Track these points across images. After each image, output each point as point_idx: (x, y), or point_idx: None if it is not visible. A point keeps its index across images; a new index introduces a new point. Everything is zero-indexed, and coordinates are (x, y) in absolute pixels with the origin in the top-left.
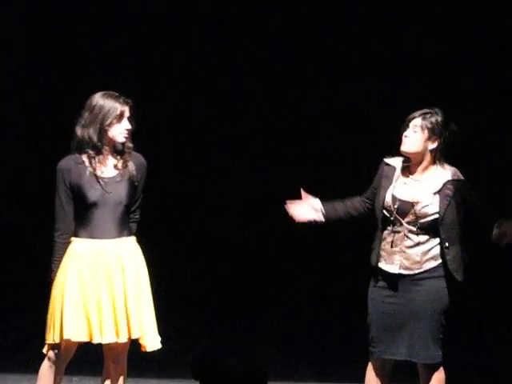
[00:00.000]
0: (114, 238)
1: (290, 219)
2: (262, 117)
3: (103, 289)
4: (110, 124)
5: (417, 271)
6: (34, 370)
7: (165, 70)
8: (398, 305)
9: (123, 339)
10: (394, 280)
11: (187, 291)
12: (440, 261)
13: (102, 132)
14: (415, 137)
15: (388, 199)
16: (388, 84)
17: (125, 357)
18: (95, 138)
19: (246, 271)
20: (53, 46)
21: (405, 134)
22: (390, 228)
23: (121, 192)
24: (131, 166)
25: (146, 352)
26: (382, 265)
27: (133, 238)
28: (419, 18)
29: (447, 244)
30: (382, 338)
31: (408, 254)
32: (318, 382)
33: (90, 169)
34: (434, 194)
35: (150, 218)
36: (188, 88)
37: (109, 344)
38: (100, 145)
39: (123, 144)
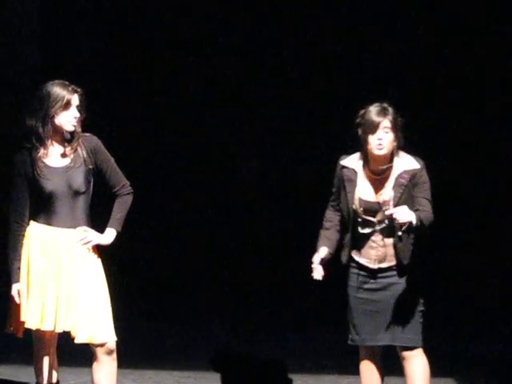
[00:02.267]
0: (70, 227)
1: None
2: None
3: (50, 277)
4: (56, 112)
5: (394, 263)
6: None
7: (173, 67)
8: (377, 290)
9: (59, 329)
10: (371, 272)
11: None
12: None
13: (47, 120)
14: (388, 138)
15: (356, 202)
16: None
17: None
18: (40, 127)
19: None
20: (70, 47)
21: (378, 137)
22: (361, 229)
23: (76, 180)
24: (82, 151)
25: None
26: (359, 259)
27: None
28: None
29: (399, 233)
30: (363, 325)
31: (384, 250)
32: (339, 374)
33: (41, 159)
34: (392, 188)
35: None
36: (194, 84)
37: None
38: (46, 133)
39: (72, 132)
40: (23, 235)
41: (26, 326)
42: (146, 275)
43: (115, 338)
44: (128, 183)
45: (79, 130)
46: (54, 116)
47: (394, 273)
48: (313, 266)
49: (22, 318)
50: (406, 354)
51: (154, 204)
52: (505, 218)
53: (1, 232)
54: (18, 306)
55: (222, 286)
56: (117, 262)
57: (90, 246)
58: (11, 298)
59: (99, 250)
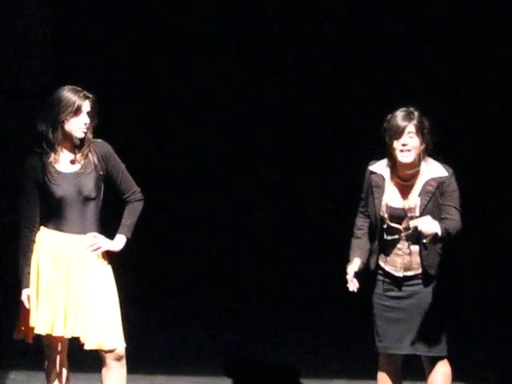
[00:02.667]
0: (79, 233)
1: None
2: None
3: (60, 282)
4: (67, 118)
5: (420, 271)
6: None
7: (176, 69)
8: (402, 298)
9: (68, 335)
10: (397, 280)
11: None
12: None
13: (57, 126)
14: (413, 144)
15: (383, 209)
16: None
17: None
18: (50, 132)
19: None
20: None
21: (402, 142)
22: (387, 235)
23: (87, 186)
24: (93, 157)
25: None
26: (385, 266)
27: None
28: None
29: (424, 240)
30: (387, 333)
31: (410, 258)
32: (350, 379)
33: (51, 164)
34: (419, 195)
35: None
36: (204, 91)
37: (58, 337)
38: (56, 139)
39: (83, 139)
40: (33, 240)
41: (36, 331)
42: (157, 281)
43: (124, 345)
44: (139, 190)
45: (90, 136)
46: (64, 122)
47: (420, 281)
48: (347, 277)
49: (32, 324)
50: (429, 362)
51: (164, 211)
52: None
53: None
54: (27, 312)
55: (234, 293)
56: (127, 268)
57: (99, 252)
58: (20, 304)
59: (109, 256)
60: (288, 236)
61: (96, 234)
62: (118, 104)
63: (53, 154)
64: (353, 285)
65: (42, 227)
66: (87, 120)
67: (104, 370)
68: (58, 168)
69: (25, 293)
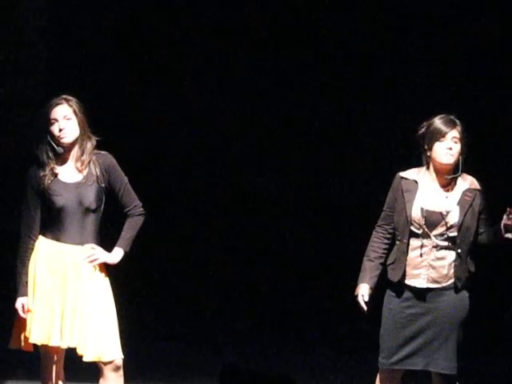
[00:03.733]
0: (78, 244)
1: None
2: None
3: (57, 292)
4: (48, 129)
5: (444, 284)
6: None
7: (174, 69)
8: (418, 314)
9: (65, 345)
10: (419, 293)
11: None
12: (473, 269)
13: (42, 136)
14: (457, 148)
15: (416, 212)
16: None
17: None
18: (43, 146)
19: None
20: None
21: (447, 146)
22: (415, 242)
23: (88, 197)
24: (95, 168)
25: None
26: (407, 281)
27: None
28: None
29: (459, 250)
30: (397, 349)
31: (436, 268)
32: None
33: (54, 176)
34: (457, 203)
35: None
36: (195, 87)
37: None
38: (44, 150)
39: (72, 145)
40: (32, 249)
41: (31, 341)
42: (153, 292)
43: (122, 355)
44: (140, 204)
45: (88, 142)
46: (47, 133)
47: (444, 294)
48: (358, 300)
49: (27, 333)
50: (438, 379)
51: (164, 221)
52: None
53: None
54: (23, 321)
55: (228, 304)
56: (124, 280)
57: (96, 263)
58: (16, 312)
59: (107, 268)
60: (281, 248)
61: (94, 245)
62: (115, 113)
63: (47, 167)
64: (361, 307)
65: (40, 236)
66: (63, 125)
67: (101, 381)
68: (60, 178)
69: (19, 301)
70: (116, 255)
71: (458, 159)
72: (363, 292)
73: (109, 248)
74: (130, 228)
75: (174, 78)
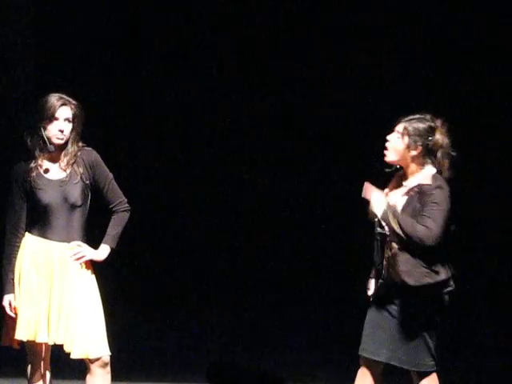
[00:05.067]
0: (64, 241)
1: None
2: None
3: (43, 289)
4: (44, 124)
5: (398, 280)
6: None
7: (171, 72)
8: (383, 304)
9: (51, 342)
10: (390, 288)
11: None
12: (438, 268)
13: (37, 133)
14: (397, 142)
15: None
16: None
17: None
18: (29, 139)
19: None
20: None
21: (388, 137)
22: (381, 242)
23: (73, 194)
24: (80, 165)
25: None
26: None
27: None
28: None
29: (398, 247)
30: (369, 337)
31: (391, 264)
32: None
33: (38, 171)
34: (402, 195)
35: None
36: (190, 90)
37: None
38: (36, 146)
39: (63, 146)
40: (18, 246)
41: (17, 337)
42: (144, 286)
43: (109, 352)
44: (125, 200)
45: (77, 143)
46: (41, 128)
47: (401, 291)
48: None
49: (14, 330)
50: (414, 375)
51: (160, 218)
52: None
53: None
54: (12, 318)
55: (220, 300)
56: (115, 274)
57: (82, 261)
58: (3, 310)
59: (93, 265)
60: (278, 244)
61: (80, 242)
62: (105, 111)
63: (39, 161)
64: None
65: (26, 233)
66: (63, 127)
67: (88, 377)
68: (45, 175)
69: (6, 298)
70: (102, 252)
71: (403, 155)
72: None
73: (94, 245)
74: (116, 224)
75: (172, 75)
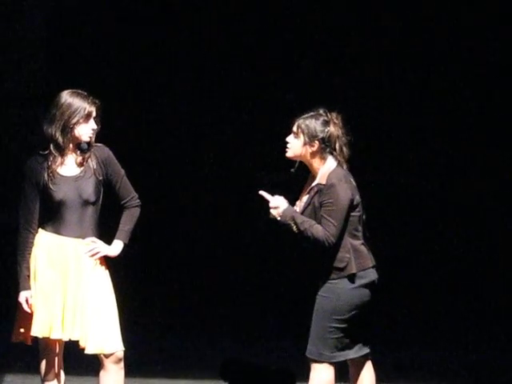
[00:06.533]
0: (78, 237)
1: None
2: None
3: (58, 286)
4: (77, 123)
5: (320, 281)
6: None
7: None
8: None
9: (66, 338)
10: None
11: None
12: (343, 264)
13: (68, 130)
14: (294, 141)
15: None
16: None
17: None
18: (60, 136)
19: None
20: (76, 54)
21: (287, 138)
22: None
23: (86, 190)
24: (93, 161)
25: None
26: None
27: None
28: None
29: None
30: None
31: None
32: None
33: (54, 167)
34: (308, 193)
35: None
36: (207, 96)
37: (55, 339)
38: (64, 143)
39: (88, 143)
40: (32, 242)
41: (33, 333)
42: (155, 284)
43: (123, 348)
44: (137, 196)
45: (92, 140)
46: (73, 127)
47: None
48: None
49: (29, 327)
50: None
51: (166, 215)
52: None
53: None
54: (25, 314)
55: (230, 297)
56: (126, 272)
57: (97, 257)
58: (18, 306)
59: (107, 260)
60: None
61: (94, 238)
62: (114, 108)
63: (59, 158)
64: None
65: (40, 230)
66: (95, 126)
67: (102, 373)
68: (59, 171)
69: (23, 295)
70: (116, 247)
71: (301, 152)
72: None
73: (106, 240)
74: (128, 220)
75: (176, 75)
